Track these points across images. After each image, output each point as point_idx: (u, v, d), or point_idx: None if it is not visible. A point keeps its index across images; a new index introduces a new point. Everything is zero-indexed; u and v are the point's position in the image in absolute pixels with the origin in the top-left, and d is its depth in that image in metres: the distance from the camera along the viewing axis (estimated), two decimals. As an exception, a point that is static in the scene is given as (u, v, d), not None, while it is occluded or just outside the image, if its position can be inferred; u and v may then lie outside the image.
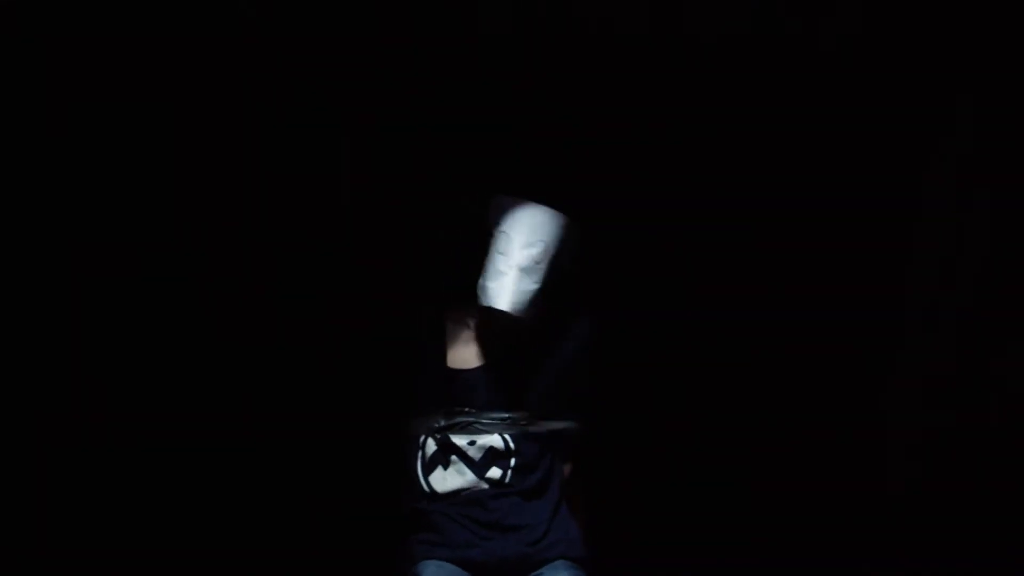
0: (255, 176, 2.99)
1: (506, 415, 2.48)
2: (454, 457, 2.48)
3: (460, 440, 2.48)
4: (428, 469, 2.50)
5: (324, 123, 3.00)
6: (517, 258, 2.44)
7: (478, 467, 2.47)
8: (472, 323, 2.54)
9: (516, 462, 2.47)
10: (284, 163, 2.99)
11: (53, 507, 2.86)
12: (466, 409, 2.49)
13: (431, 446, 2.50)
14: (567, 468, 2.59)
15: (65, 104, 2.83)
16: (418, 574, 2.42)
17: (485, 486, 2.47)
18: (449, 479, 2.48)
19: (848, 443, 3.01)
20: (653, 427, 3.07)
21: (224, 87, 2.92)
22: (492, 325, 2.49)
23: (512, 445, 2.48)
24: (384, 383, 2.68)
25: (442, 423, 2.48)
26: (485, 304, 2.45)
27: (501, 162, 2.95)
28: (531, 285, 2.44)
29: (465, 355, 2.55)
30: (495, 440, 2.48)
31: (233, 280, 3.00)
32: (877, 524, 2.97)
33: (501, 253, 2.46)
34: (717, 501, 3.07)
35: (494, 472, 2.47)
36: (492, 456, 2.47)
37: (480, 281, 2.48)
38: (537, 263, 2.45)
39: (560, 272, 2.50)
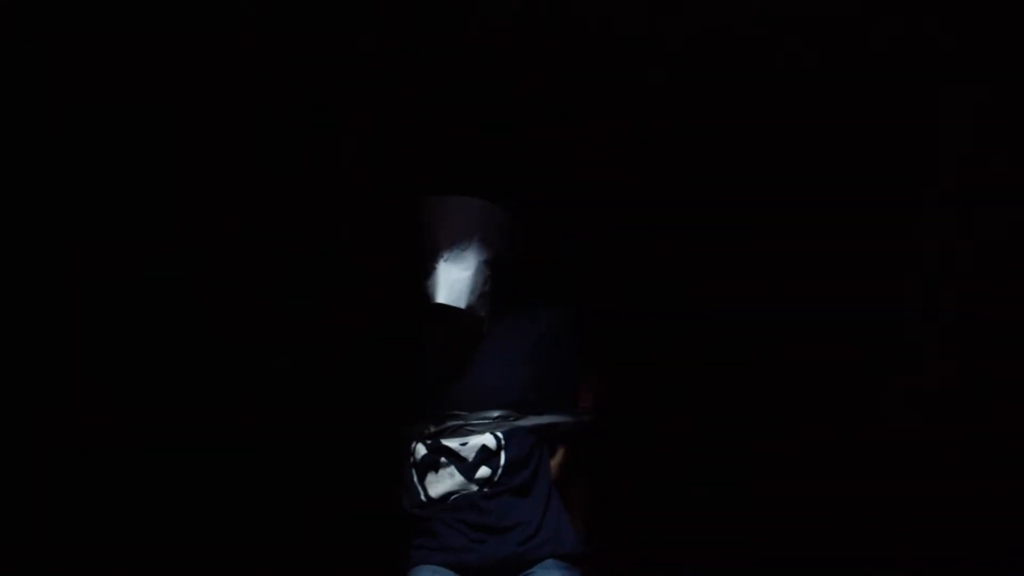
0: (255, 176, 2.99)
1: (496, 413, 2.48)
2: (443, 459, 2.47)
3: (452, 443, 2.47)
4: (420, 474, 2.50)
5: (324, 123, 3.00)
6: (441, 250, 2.45)
7: (468, 468, 2.47)
8: (451, 324, 2.53)
9: (507, 459, 2.47)
10: (284, 163, 2.99)
11: (53, 507, 2.86)
12: (455, 412, 2.48)
13: (421, 450, 2.49)
14: (555, 460, 2.59)
15: (65, 104, 2.83)
16: None
17: (475, 488, 2.46)
18: (440, 482, 2.48)
19: (848, 443, 3.00)
20: (653, 427, 3.07)
21: (224, 87, 2.92)
22: (455, 324, 2.49)
23: (503, 442, 2.47)
24: (384, 383, 2.68)
25: (432, 429, 2.48)
26: (431, 303, 2.45)
27: (501, 162, 2.95)
28: (461, 273, 2.44)
29: (450, 356, 2.54)
30: (487, 439, 2.47)
31: (233, 280, 3.00)
32: (877, 524, 2.97)
33: (429, 250, 2.47)
34: (717, 501, 3.07)
35: (483, 471, 2.47)
36: (483, 455, 2.47)
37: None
38: (462, 250, 2.45)
39: (501, 258, 2.49)
